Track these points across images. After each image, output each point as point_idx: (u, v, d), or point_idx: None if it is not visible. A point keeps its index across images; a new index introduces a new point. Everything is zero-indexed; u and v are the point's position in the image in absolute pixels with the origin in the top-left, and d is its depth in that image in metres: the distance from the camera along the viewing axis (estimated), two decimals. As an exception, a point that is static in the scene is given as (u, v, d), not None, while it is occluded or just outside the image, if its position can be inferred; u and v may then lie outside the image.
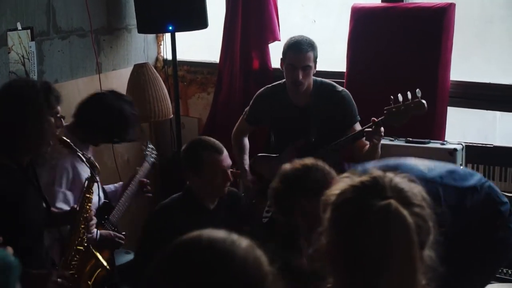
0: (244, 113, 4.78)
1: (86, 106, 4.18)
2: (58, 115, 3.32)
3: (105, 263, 3.58)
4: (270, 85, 4.66)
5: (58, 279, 3.19)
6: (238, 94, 5.53)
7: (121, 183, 4.60)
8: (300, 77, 4.32)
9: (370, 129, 4.06)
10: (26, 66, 4.89)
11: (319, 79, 4.49)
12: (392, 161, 3.39)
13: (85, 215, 3.45)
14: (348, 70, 4.96)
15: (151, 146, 4.82)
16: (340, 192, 1.87)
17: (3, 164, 3.21)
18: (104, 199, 4.26)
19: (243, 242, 1.58)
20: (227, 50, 5.61)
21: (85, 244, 3.48)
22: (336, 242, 1.84)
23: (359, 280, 1.78)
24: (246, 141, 4.80)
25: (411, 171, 2.88)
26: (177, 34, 5.44)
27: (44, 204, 3.49)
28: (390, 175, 1.88)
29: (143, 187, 4.47)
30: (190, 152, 3.90)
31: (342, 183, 1.90)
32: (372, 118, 4.07)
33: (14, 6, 4.78)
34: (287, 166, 3.07)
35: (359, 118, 4.41)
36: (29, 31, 4.90)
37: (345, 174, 1.97)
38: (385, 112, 4.02)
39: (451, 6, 4.61)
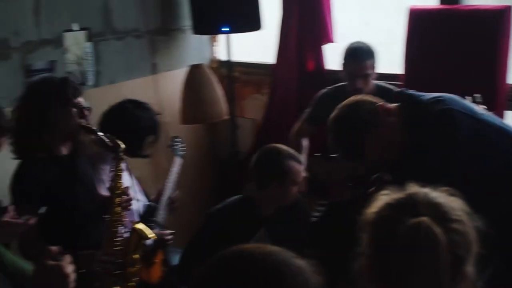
0: (304, 113, 4.76)
1: (106, 118, 4.12)
2: (80, 106, 3.44)
3: (149, 233, 3.54)
4: (332, 86, 4.65)
5: (103, 257, 3.31)
6: (293, 95, 5.51)
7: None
8: (359, 85, 4.32)
9: None
10: (82, 67, 4.95)
11: (379, 83, 4.47)
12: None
13: (118, 192, 3.48)
14: (405, 72, 4.89)
15: (178, 139, 4.70)
16: (377, 211, 1.89)
17: (42, 158, 3.38)
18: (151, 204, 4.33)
19: (297, 262, 1.54)
20: (282, 51, 5.59)
21: (124, 221, 3.51)
22: (370, 260, 1.86)
23: None
24: (305, 142, 4.77)
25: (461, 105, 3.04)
26: (232, 35, 5.44)
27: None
28: (425, 190, 1.88)
29: (173, 203, 4.41)
30: (274, 161, 3.86)
31: (380, 201, 1.91)
32: None
33: (70, 7, 4.85)
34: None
35: None
36: (85, 32, 4.96)
37: (384, 192, 1.97)
38: None
39: (508, 9, 4.52)
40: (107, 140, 3.49)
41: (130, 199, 3.56)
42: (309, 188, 4.47)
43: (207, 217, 4.07)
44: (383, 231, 1.84)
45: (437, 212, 1.81)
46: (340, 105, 3.30)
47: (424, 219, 1.77)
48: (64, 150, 3.50)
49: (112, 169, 3.52)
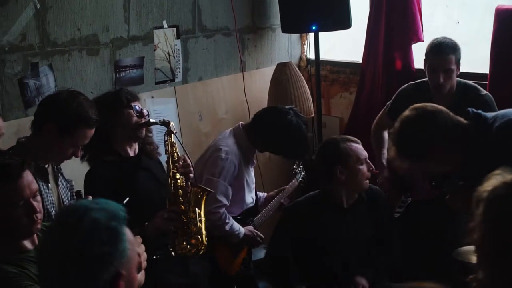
0: (386, 106, 4.73)
1: (268, 117, 4.34)
2: (137, 108, 3.74)
3: (208, 189, 3.74)
4: (414, 82, 4.60)
5: (165, 215, 3.53)
6: (380, 94, 5.47)
7: (265, 193, 4.71)
8: (441, 80, 4.25)
9: None
10: (171, 63, 5.07)
11: (463, 81, 4.39)
12: None
13: (174, 160, 3.66)
14: (491, 72, 4.80)
15: (302, 166, 4.88)
16: (493, 189, 1.92)
17: (111, 160, 3.70)
18: (255, 203, 4.48)
19: None
20: (370, 50, 5.57)
21: (183, 184, 3.66)
22: (487, 236, 1.90)
23: (508, 273, 1.84)
24: (386, 135, 4.72)
25: None
26: (320, 33, 5.46)
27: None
28: None
29: (282, 205, 4.56)
30: (333, 147, 3.93)
31: (494, 179, 1.96)
32: None
33: (160, 4, 4.97)
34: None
35: None
36: (175, 29, 5.07)
37: (496, 171, 2.02)
38: None
39: None
40: (158, 122, 3.76)
41: (189, 165, 3.70)
42: (391, 183, 4.47)
43: (285, 211, 4.13)
44: (501, 208, 1.89)
45: None
46: (417, 107, 3.25)
47: None
48: (131, 152, 3.80)
49: (166, 141, 3.70)
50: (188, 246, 3.59)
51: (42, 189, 3.21)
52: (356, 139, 3.99)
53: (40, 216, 2.66)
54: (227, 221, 4.14)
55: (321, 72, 5.76)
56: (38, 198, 2.69)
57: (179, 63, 5.16)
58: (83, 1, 4.48)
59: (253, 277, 4.49)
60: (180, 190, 3.63)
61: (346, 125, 5.90)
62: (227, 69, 5.58)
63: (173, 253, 3.58)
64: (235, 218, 4.27)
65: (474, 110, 3.13)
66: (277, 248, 4.13)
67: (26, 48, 4.20)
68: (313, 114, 5.63)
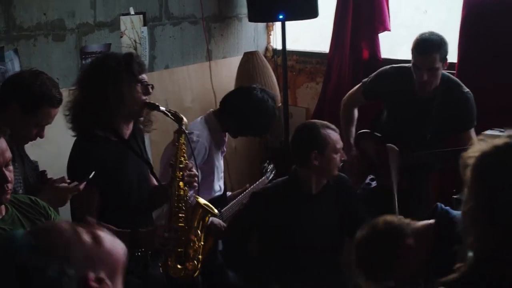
0: (361, 83, 4.63)
1: (234, 98, 4.32)
2: (145, 83, 3.39)
3: (214, 210, 3.51)
4: (396, 66, 4.49)
5: (165, 234, 3.25)
6: (347, 84, 5.45)
7: (229, 193, 4.65)
8: (425, 78, 4.17)
9: None
10: (137, 51, 5.00)
11: (446, 74, 4.31)
12: None
13: (181, 166, 3.38)
14: (459, 61, 4.82)
15: (272, 165, 4.84)
16: (483, 154, 1.88)
17: (98, 136, 3.36)
18: (224, 193, 4.44)
19: None
20: (337, 40, 5.56)
21: (188, 197, 3.40)
22: (484, 202, 1.85)
23: (499, 234, 1.81)
24: (356, 112, 4.68)
25: None
26: (287, 23, 5.42)
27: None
28: None
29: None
30: (312, 132, 3.86)
31: (480, 145, 1.91)
32: (500, 134, 3.94)
33: (127, -10, 4.90)
34: None
35: (475, 124, 4.28)
36: (141, 16, 5.01)
37: (479, 137, 2.00)
38: None
39: None
40: (170, 114, 3.40)
41: (195, 175, 3.43)
42: (358, 162, 4.46)
43: (252, 196, 4.09)
44: (495, 172, 1.86)
45: None
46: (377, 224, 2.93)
47: None
48: (127, 131, 3.47)
49: (176, 143, 3.43)
50: (183, 271, 3.38)
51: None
52: (335, 128, 3.93)
53: (10, 186, 2.57)
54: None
55: (288, 62, 5.71)
56: (11, 167, 2.60)
57: (146, 51, 5.10)
58: (49, -16, 4.40)
59: (221, 266, 4.44)
60: (182, 203, 3.36)
61: (312, 116, 5.88)
62: (193, 57, 5.53)
63: (161, 269, 3.39)
64: None
65: (443, 207, 2.95)
66: (236, 230, 4.08)
67: (-9, 32, 4.11)
68: (280, 105, 5.60)
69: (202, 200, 3.46)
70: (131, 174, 3.46)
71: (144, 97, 3.39)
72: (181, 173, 3.36)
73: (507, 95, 4.60)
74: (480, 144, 1.91)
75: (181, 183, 3.36)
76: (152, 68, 5.18)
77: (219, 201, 4.37)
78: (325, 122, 3.96)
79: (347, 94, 4.73)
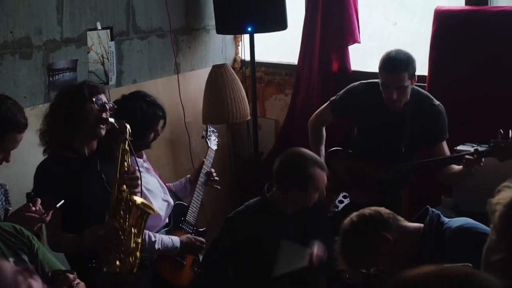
0: (329, 102, 4.59)
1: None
2: (99, 102, 3.64)
3: (152, 209, 3.58)
4: (365, 82, 4.46)
5: (101, 231, 3.43)
6: (316, 96, 5.43)
7: (188, 176, 4.58)
8: (395, 96, 4.15)
9: (471, 157, 3.92)
10: (105, 66, 4.93)
11: (416, 88, 4.29)
12: None
13: (123, 170, 3.52)
14: (430, 74, 4.82)
15: (211, 128, 4.76)
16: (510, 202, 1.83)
17: (63, 156, 3.66)
18: (175, 201, 4.30)
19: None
20: (305, 52, 5.53)
21: (129, 199, 3.49)
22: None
23: None
24: (324, 131, 4.64)
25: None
26: (255, 35, 5.38)
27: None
28: None
29: (209, 177, 4.47)
30: (298, 167, 3.79)
31: (507, 192, 1.87)
32: (475, 148, 3.95)
33: (94, 5, 4.82)
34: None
35: (447, 136, 4.29)
36: (108, 31, 4.93)
37: (505, 184, 1.92)
38: (491, 144, 3.90)
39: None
40: (116, 124, 3.58)
41: (137, 177, 3.56)
42: (329, 181, 4.43)
43: (226, 222, 4.03)
44: None
45: None
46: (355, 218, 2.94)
47: None
48: (87, 151, 3.73)
49: (117, 148, 3.56)
50: (119, 265, 3.46)
51: None
52: (325, 166, 3.89)
53: None
54: (153, 239, 3.97)
55: (256, 74, 5.67)
56: None
57: (113, 66, 5.02)
58: (16, 2, 4.31)
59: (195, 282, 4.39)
60: (123, 203, 3.49)
61: (281, 128, 5.86)
62: (161, 71, 5.46)
63: (104, 269, 3.43)
64: (165, 230, 4.15)
65: (434, 211, 2.95)
66: (212, 267, 4.02)
67: (-43, 51, 4.02)
68: (249, 117, 5.56)
69: (138, 200, 3.52)
70: (90, 191, 3.66)
71: (100, 114, 3.62)
72: (123, 176, 3.52)
73: (479, 107, 4.61)
74: (507, 191, 1.86)
75: (123, 186, 3.51)
76: (120, 83, 5.10)
77: (179, 211, 4.29)
78: (316, 158, 3.90)
79: (314, 114, 4.69)
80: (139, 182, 3.56)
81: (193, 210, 4.34)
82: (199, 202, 4.39)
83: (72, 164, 3.65)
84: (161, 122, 4.22)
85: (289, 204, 3.85)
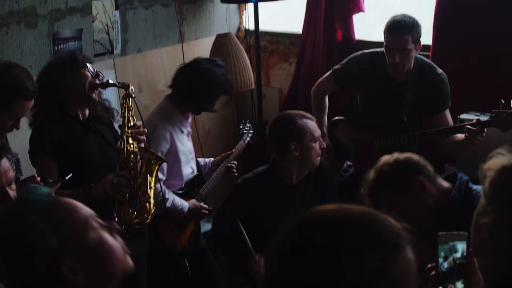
0: (332, 71, 4.61)
1: (179, 74, 4.24)
2: (91, 70, 3.67)
3: (159, 154, 3.73)
4: (368, 51, 4.47)
5: (114, 180, 3.47)
6: (320, 65, 5.46)
7: (211, 159, 4.62)
8: (397, 59, 4.16)
9: (473, 128, 3.94)
10: (110, 35, 4.94)
11: (420, 57, 4.31)
12: None
13: (130, 124, 3.60)
14: (434, 43, 4.83)
15: (249, 125, 4.80)
16: (504, 170, 1.86)
17: (58, 119, 3.64)
18: (197, 171, 4.37)
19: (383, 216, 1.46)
20: (310, 21, 5.53)
21: (136, 150, 3.60)
22: (506, 218, 1.82)
23: None
24: (327, 100, 4.66)
25: None
26: (260, 4, 5.38)
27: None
28: None
29: (230, 168, 4.50)
30: (288, 123, 3.86)
31: (500, 159, 1.89)
32: (477, 118, 3.97)
33: (99, -25, 4.81)
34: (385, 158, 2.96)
35: (450, 105, 4.30)
36: (113, 0, 4.93)
37: (497, 150, 1.95)
38: (493, 115, 3.91)
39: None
40: (118, 85, 3.72)
41: (143, 132, 3.64)
42: (332, 151, 4.46)
43: (234, 187, 4.08)
44: None
45: None
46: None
47: None
48: (81, 116, 3.74)
49: (123, 104, 3.65)
50: (135, 213, 3.56)
51: None
52: (311, 116, 3.94)
53: None
54: (166, 196, 4.04)
55: (261, 43, 5.65)
56: (13, 186, 2.64)
57: (118, 35, 5.03)
58: (21, -28, 4.31)
59: (204, 250, 4.45)
60: (131, 155, 3.58)
61: (285, 96, 5.87)
62: (166, 40, 5.47)
63: (116, 219, 3.50)
64: (178, 192, 4.22)
65: (463, 176, 2.99)
66: (222, 224, 4.08)
67: (-38, 21, 4.03)
68: (253, 86, 5.58)
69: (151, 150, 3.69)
70: (89, 148, 3.69)
71: (93, 80, 3.67)
72: (130, 130, 3.60)
73: (482, 76, 4.63)
74: (499, 157, 1.89)
75: (130, 139, 3.59)
76: (125, 52, 5.12)
77: (196, 182, 4.36)
78: (300, 112, 3.97)
79: (317, 83, 4.71)
80: (145, 136, 3.65)
81: (208, 187, 4.40)
82: (215, 183, 4.44)
83: (67, 125, 3.66)
84: (225, 98, 4.30)
85: (294, 169, 3.88)
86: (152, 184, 3.62)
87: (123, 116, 3.63)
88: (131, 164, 3.58)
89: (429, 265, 1.92)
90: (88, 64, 3.67)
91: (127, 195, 3.55)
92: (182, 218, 4.22)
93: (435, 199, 2.86)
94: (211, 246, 4.48)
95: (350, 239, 1.37)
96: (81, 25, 4.72)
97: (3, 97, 3.20)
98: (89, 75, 3.65)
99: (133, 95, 3.66)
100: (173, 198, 4.11)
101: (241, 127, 4.77)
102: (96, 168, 3.64)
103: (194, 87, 4.10)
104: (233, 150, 4.57)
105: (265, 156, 4.10)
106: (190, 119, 4.32)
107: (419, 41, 4.19)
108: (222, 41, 5.47)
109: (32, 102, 3.32)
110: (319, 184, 4.03)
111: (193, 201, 4.27)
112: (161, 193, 3.94)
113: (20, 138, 3.87)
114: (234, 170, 4.53)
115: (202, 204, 4.30)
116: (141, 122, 3.68)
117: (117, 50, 5.05)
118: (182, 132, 4.23)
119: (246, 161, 5.89)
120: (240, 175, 4.33)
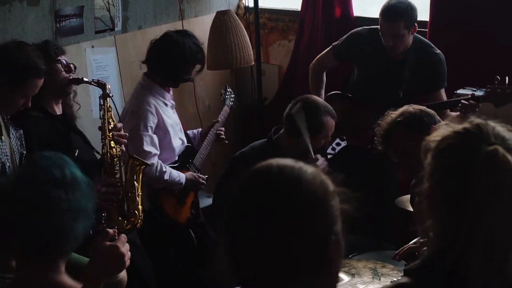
0: (331, 47, 4.69)
1: (152, 50, 4.33)
2: (64, 62, 3.68)
3: (145, 160, 3.76)
4: (368, 27, 4.56)
5: (103, 189, 3.50)
6: (319, 42, 5.50)
7: (199, 129, 4.70)
8: (390, 43, 4.28)
9: (467, 103, 4.00)
10: (110, 12, 4.99)
11: (418, 37, 4.40)
12: None
13: (110, 127, 3.63)
14: (431, 19, 4.87)
15: (229, 90, 4.92)
16: (443, 138, 1.88)
17: (39, 117, 3.61)
18: (187, 143, 4.43)
19: (310, 168, 1.72)
20: (309, -3, 5.57)
21: (119, 154, 3.63)
22: (438, 185, 1.86)
23: (459, 222, 1.78)
24: (324, 76, 4.74)
25: None
26: (260, -20, 5.43)
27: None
28: (491, 123, 1.87)
29: (219, 135, 4.59)
30: (312, 115, 3.91)
31: (442, 129, 1.92)
32: (472, 93, 4.03)
33: (100, -49, 4.84)
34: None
35: (446, 85, 4.36)
36: (114, -23, 4.97)
37: (443, 122, 1.99)
38: (488, 90, 3.98)
39: None
40: (93, 83, 3.73)
41: (124, 135, 3.68)
42: None
43: (232, 161, 4.14)
44: (454, 157, 1.84)
45: (505, 143, 1.82)
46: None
47: (499, 147, 1.79)
48: (57, 110, 3.73)
49: (101, 105, 3.67)
50: (125, 221, 3.59)
51: None
52: (335, 114, 4.02)
53: None
54: (164, 169, 4.14)
55: (260, 20, 5.72)
56: None
57: (119, 12, 5.07)
58: None
59: (203, 224, 4.52)
60: (115, 160, 3.62)
61: (285, 73, 5.92)
62: (166, 17, 5.51)
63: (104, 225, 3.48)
64: (172, 166, 4.30)
65: None
66: (223, 199, 4.13)
67: (-36, -1, 4.07)
68: (253, 62, 5.62)
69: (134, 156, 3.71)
70: (67, 144, 3.65)
71: (67, 75, 3.68)
72: (110, 133, 3.62)
73: (479, 53, 4.67)
74: (442, 128, 1.92)
75: (112, 143, 3.62)
76: (126, 29, 5.16)
77: (188, 153, 4.44)
78: (328, 107, 4.01)
79: (316, 59, 4.78)
80: (125, 140, 3.69)
81: (201, 157, 4.48)
82: (207, 151, 4.53)
83: (50, 125, 3.65)
84: (198, 67, 4.37)
85: (294, 147, 3.94)
86: (139, 191, 3.65)
87: (102, 118, 3.65)
88: (116, 169, 3.62)
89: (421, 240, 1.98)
90: (60, 58, 3.68)
91: (115, 202, 3.58)
92: (181, 191, 4.30)
93: None
94: (210, 222, 4.54)
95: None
96: (83, 2, 4.76)
97: (17, 76, 3.28)
98: (62, 69, 3.67)
99: (111, 95, 3.68)
100: (169, 171, 4.20)
101: (222, 92, 4.88)
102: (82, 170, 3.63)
103: (168, 61, 4.20)
104: (219, 117, 4.66)
105: (264, 129, 4.12)
106: (171, 92, 4.41)
107: (413, 25, 4.27)
108: (222, 18, 5.51)
109: (42, 80, 3.38)
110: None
111: (190, 172, 4.36)
112: (157, 168, 4.04)
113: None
114: (222, 136, 4.63)
115: (199, 174, 4.40)
116: (121, 124, 3.73)
117: (118, 27, 5.09)
118: (166, 105, 4.33)
119: (244, 132, 5.98)
120: (237, 148, 4.39)
